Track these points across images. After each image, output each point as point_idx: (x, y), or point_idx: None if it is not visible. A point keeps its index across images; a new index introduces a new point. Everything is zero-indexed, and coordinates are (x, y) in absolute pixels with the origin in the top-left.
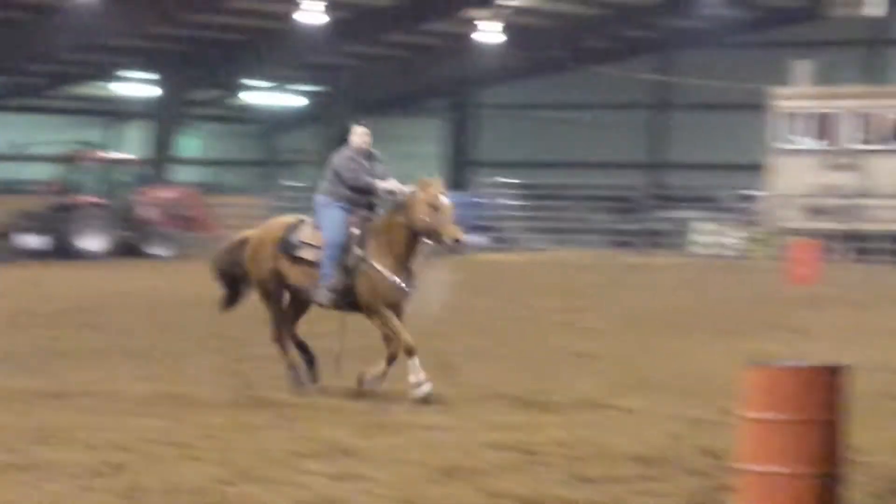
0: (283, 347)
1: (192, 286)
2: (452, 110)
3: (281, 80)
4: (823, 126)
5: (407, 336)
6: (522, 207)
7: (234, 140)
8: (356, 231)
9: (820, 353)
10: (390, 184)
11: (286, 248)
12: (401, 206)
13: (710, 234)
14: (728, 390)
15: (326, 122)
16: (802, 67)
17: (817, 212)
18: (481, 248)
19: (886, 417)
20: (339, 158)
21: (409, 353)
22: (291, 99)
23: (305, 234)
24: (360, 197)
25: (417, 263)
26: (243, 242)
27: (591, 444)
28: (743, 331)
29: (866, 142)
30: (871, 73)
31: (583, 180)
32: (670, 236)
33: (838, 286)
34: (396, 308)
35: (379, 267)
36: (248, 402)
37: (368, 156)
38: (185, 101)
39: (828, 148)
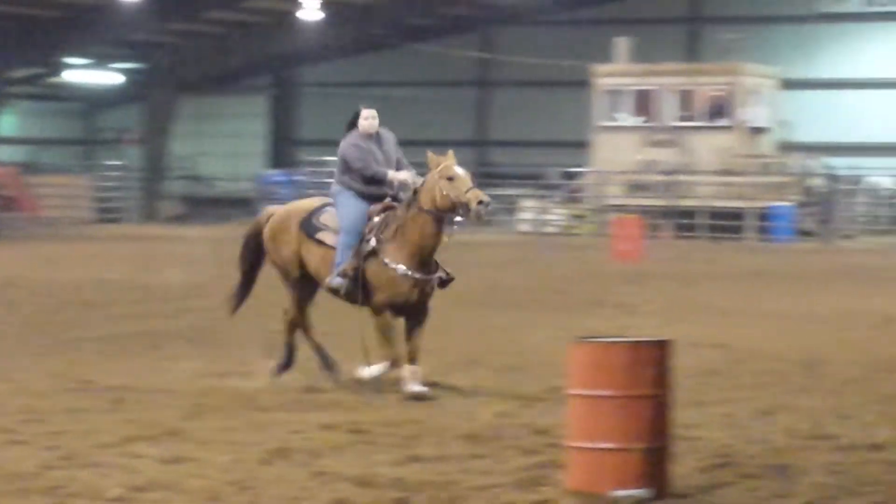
0: (304, 331)
1: (11, 268)
2: (275, 88)
3: (100, 57)
4: (643, 103)
5: (394, 349)
6: None
7: (53, 118)
8: (377, 219)
9: (644, 329)
10: (402, 174)
11: (308, 229)
12: (417, 191)
13: (536, 212)
14: (555, 367)
15: (147, 100)
16: (622, 45)
17: (639, 188)
18: None
19: (711, 392)
20: (345, 145)
21: (394, 364)
22: (111, 77)
23: (328, 217)
24: (376, 187)
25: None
26: (266, 220)
27: (421, 423)
28: (568, 307)
29: (685, 118)
30: (690, 51)
31: (407, 159)
32: (496, 214)
33: (661, 262)
34: (411, 303)
35: (387, 259)
36: (76, 386)
37: (378, 140)
38: (2, 78)
39: (648, 125)
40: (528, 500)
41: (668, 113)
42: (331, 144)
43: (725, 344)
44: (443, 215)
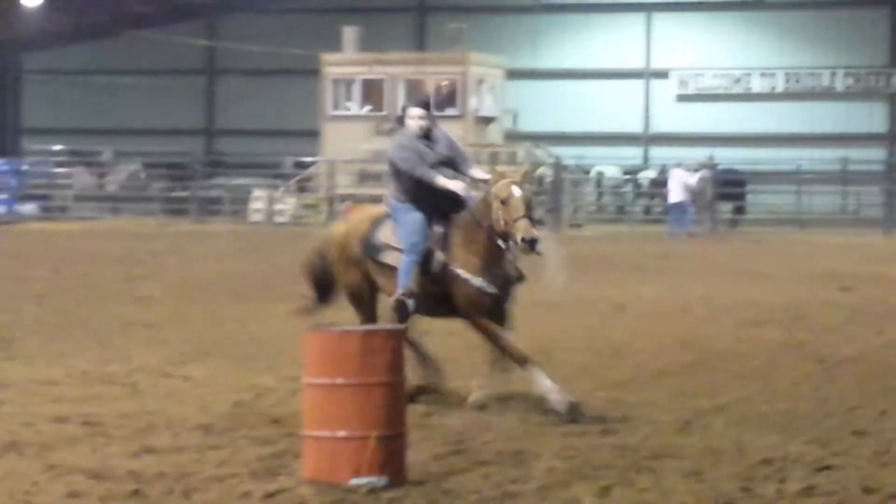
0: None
1: None
2: None
3: None
4: (372, 92)
5: (515, 347)
6: (73, 175)
7: None
8: (439, 230)
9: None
10: (453, 184)
11: (370, 251)
12: (477, 202)
13: (266, 202)
14: (290, 357)
15: None
16: (350, 34)
17: (370, 177)
18: (30, 218)
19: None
20: (392, 147)
21: (522, 363)
22: None
23: (387, 234)
24: (429, 190)
25: (509, 260)
26: (331, 241)
27: (156, 415)
28: (300, 298)
29: None
30: (418, 40)
31: (134, 147)
32: (227, 204)
33: None
34: (494, 312)
35: (461, 272)
36: None
37: (429, 139)
38: None
39: (377, 114)
40: (265, 489)
41: (397, 102)
42: (57, 133)
43: (459, 332)
44: (498, 235)
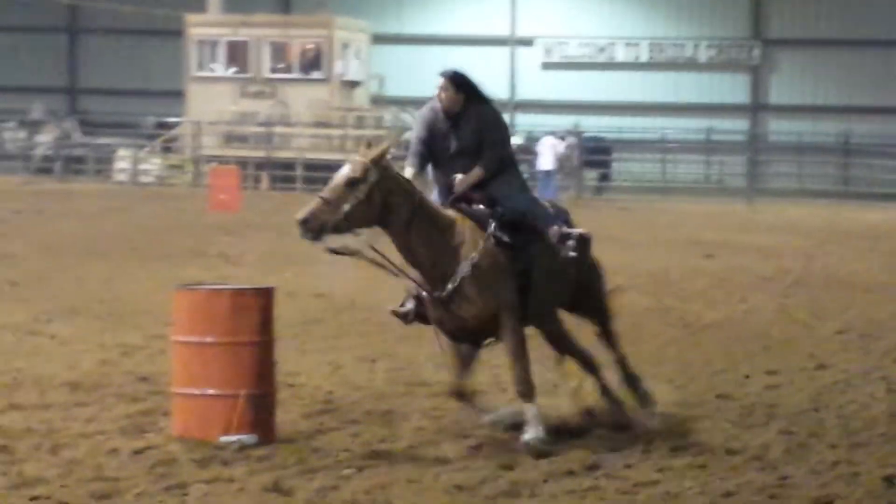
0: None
1: None
2: None
3: None
4: (237, 54)
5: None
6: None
7: None
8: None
9: (244, 279)
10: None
11: None
12: None
13: (131, 161)
14: (155, 316)
15: None
16: None
17: (236, 139)
18: None
19: (313, 341)
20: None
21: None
22: None
23: None
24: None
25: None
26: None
27: (22, 372)
28: (166, 257)
29: (280, 70)
30: (282, 3)
31: None
32: (91, 163)
33: (258, 213)
34: None
35: None
36: None
37: (458, 118)
38: None
39: (242, 76)
40: (133, 446)
41: (263, 64)
42: None
43: (325, 294)
44: None
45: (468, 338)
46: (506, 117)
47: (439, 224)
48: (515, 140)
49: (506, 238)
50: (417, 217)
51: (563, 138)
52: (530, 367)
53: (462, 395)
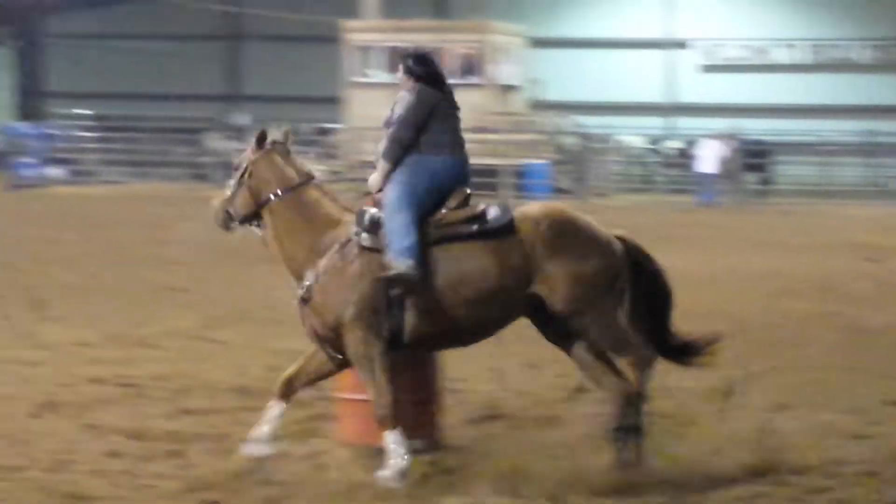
0: None
1: None
2: (19, 39)
3: None
4: (395, 59)
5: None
6: (98, 139)
7: None
8: None
9: None
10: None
11: None
12: None
13: None
14: None
15: None
16: (371, 1)
17: None
18: (58, 181)
19: (476, 346)
20: None
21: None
22: None
23: None
24: None
25: None
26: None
27: (191, 377)
28: None
29: None
30: (439, 8)
31: (159, 112)
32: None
33: None
34: None
35: None
36: None
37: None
38: None
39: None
40: (301, 452)
41: None
42: (80, 97)
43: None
44: None
45: (324, 346)
46: (661, 121)
47: (314, 221)
48: (674, 144)
49: (368, 243)
50: (283, 207)
51: (725, 141)
52: (389, 391)
53: (285, 393)
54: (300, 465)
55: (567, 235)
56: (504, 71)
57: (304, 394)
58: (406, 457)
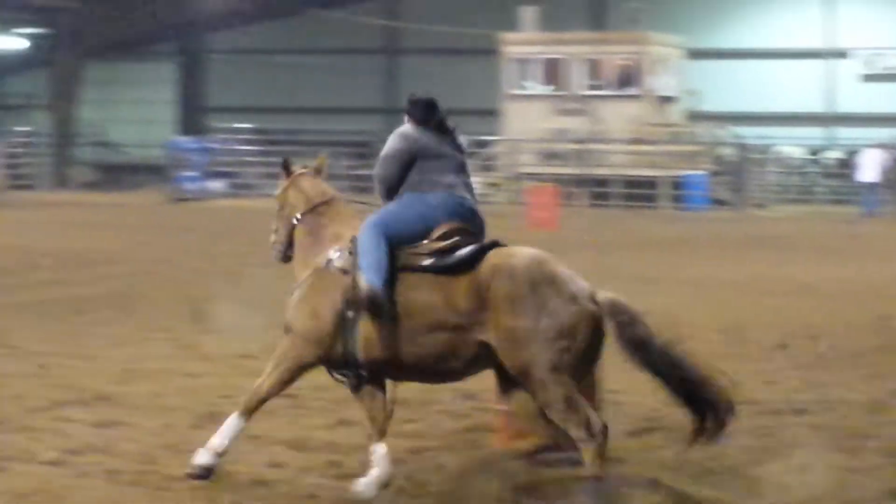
0: None
1: None
2: (181, 55)
3: (3, 22)
4: (552, 71)
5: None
6: (258, 153)
7: None
8: None
9: None
10: None
11: None
12: None
13: None
14: None
15: (52, 65)
16: (529, 13)
17: (551, 156)
18: (219, 194)
19: None
20: None
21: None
22: (16, 42)
23: None
24: None
25: None
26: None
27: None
28: None
29: (594, 87)
30: (596, 19)
31: (316, 125)
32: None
33: (577, 230)
34: None
35: None
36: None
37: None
38: None
39: (557, 93)
40: (459, 462)
41: (577, 81)
42: (240, 112)
43: (648, 311)
44: None
45: None
46: (821, 131)
47: (321, 239)
48: (834, 154)
49: (340, 263)
50: (302, 228)
51: (886, 150)
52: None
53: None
54: (458, 476)
55: (527, 285)
56: (662, 82)
57: (461, 405)
58: (387, 468)
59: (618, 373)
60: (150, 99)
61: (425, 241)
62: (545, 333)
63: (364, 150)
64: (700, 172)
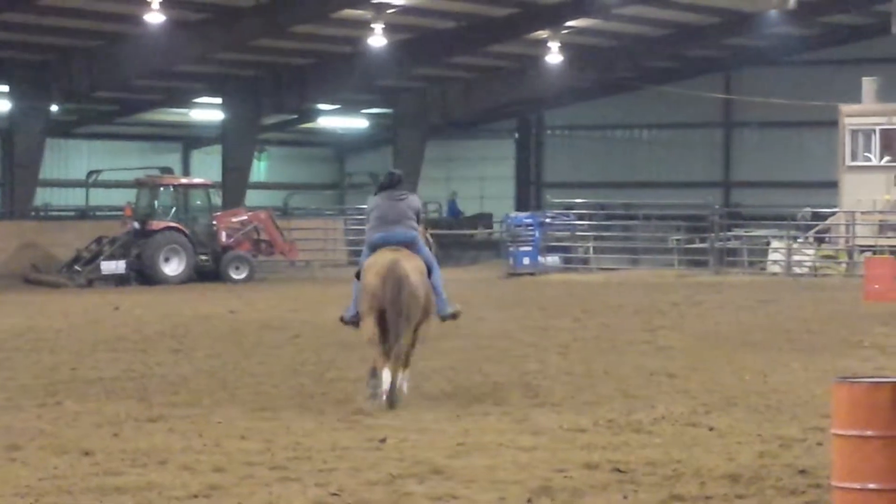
0: None
1: (269, 309)
2: (519, 131)
3: (348, 103)
4: (891, 142)
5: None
6: (593, 227)
7: (305, 164)
8: None
9: None
10: None
11: None
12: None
13: (785, 252)
14: (811, 407)
15: (395, 143)
16: (869, 84)
17: (889, 228)
18: (554, 269)
19: None
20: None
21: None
22: (359, 122)
23: None
24: None
25: None
26: None
27: (683, 464)
28: (821, 348)
29: None
30: None
31: (651, 199)
32: (744, 255)
33: None
34: None
35: None
36: (341, 424)
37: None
38: (255, 125)
39: (894, 164)
40: None
41: None
42: (575, 187)
43: None
44: None
45: None
46: None
47: None
48: None
49: None
50: None
51: None
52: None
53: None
54: None
55: None
56: None
57: (795, 481)
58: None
59: None
60: (488, 175)
61: None
62: None
63: (700, 223)
64: None
